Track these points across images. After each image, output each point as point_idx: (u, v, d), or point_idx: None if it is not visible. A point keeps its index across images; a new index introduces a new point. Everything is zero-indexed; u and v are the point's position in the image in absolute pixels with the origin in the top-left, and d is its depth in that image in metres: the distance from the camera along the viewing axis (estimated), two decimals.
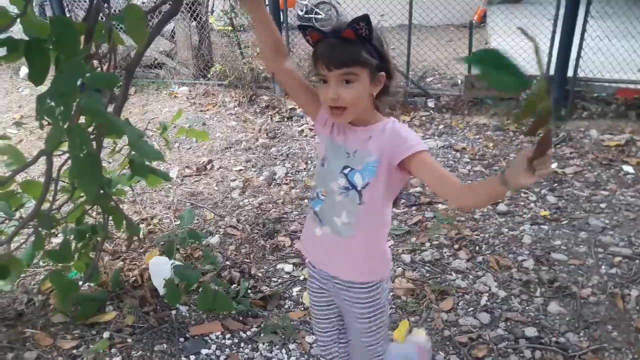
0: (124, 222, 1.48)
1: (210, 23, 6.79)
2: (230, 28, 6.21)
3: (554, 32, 4.55)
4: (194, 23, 6.13)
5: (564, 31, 4.39)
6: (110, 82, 0.93)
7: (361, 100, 1.24)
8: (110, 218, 1.54)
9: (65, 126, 0.97)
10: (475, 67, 0.88)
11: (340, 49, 1.19)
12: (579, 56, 4.49)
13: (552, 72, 4.58)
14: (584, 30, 4.42)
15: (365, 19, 1.15)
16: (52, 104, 0.93)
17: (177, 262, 2.26)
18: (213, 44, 6.53)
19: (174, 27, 6.34)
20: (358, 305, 1.44)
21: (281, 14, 5.46)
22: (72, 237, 1.64)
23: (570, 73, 4.52)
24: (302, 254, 1.55)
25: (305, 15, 10.49)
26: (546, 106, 0.82)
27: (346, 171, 1.31)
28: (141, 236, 2.85)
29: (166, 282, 1.98)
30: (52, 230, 1.73)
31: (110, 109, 1.28)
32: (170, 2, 1.21)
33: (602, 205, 3.18)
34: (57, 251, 1.43)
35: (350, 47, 1.18)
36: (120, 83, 1.21)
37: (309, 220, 1.47)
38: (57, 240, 2.89)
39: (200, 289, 2.23)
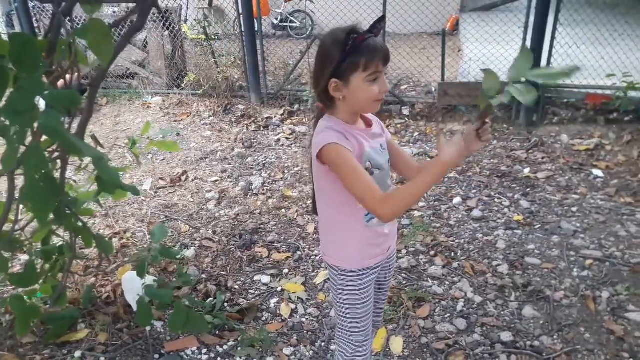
0: (94, 240, 1.44)
1: (184, 32, 6.74)
2: (203, 37, 6.17)
3: (524, 40, 4.65)
4: (166, 32, 6.07)
5: (534, 38, 4.49)
6: (71, 100, 0.90)
7: None
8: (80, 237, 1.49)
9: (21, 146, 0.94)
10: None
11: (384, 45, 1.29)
12: (549, 63, 4.59)
13: None
14: (553, 38, 4.53)
15: (384, 18, 1.30)
16: (7, 122, 0.89)
17: (149, 279, 2.21)
18: (186, 53, 6.48)
19: (146, 37, 6.27)
20: (394, 263, 1.70)
21: (255, 22, 5.45)
22: (38, 258, 1.58)
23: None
24: (355, 270, 1.52)
25: (280, 24, 10.49)
26: (488, 103, 1.13)
27: (389, 163, 1.47)
28: (113, 252, 2.78)
29: (138, 301, 1.92)
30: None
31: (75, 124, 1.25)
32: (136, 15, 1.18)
33: (574, 209, 3.24)
34: (20, 274, 1.37)
35: None
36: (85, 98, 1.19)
37: (371, 232, 1.46)
38: (23, 257, 2.82)
39: (174, 304, 2.18)
